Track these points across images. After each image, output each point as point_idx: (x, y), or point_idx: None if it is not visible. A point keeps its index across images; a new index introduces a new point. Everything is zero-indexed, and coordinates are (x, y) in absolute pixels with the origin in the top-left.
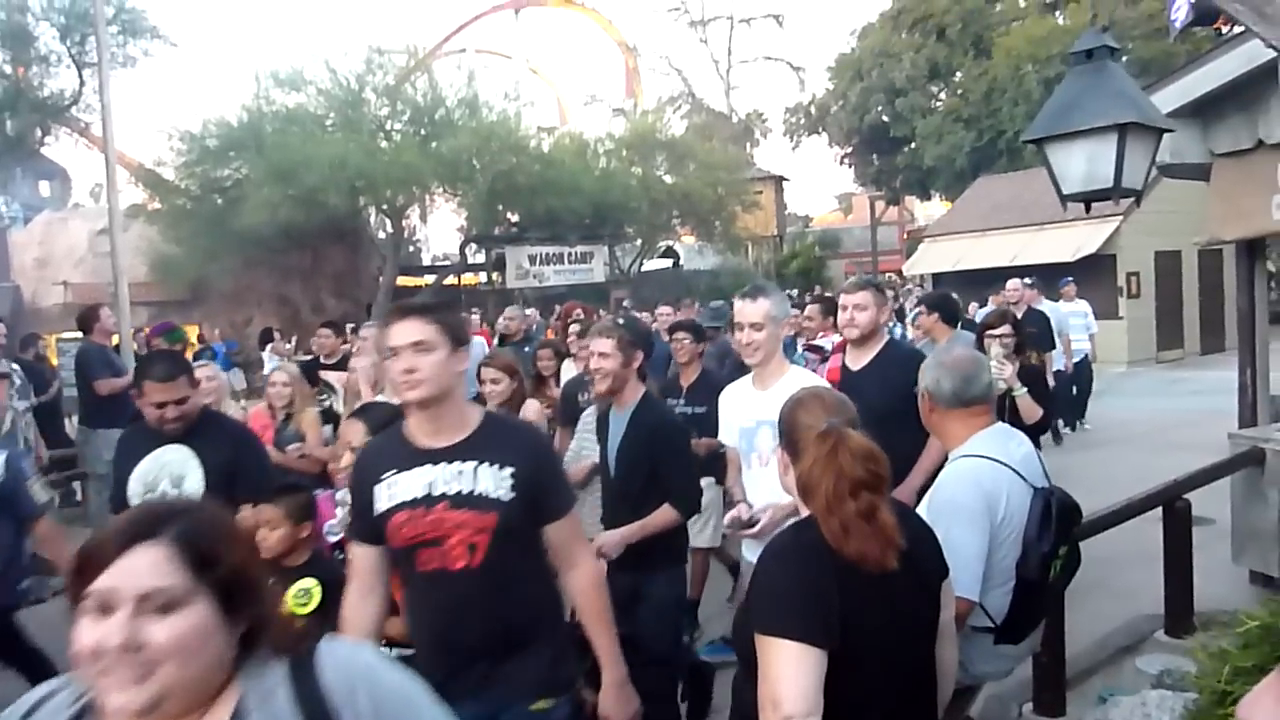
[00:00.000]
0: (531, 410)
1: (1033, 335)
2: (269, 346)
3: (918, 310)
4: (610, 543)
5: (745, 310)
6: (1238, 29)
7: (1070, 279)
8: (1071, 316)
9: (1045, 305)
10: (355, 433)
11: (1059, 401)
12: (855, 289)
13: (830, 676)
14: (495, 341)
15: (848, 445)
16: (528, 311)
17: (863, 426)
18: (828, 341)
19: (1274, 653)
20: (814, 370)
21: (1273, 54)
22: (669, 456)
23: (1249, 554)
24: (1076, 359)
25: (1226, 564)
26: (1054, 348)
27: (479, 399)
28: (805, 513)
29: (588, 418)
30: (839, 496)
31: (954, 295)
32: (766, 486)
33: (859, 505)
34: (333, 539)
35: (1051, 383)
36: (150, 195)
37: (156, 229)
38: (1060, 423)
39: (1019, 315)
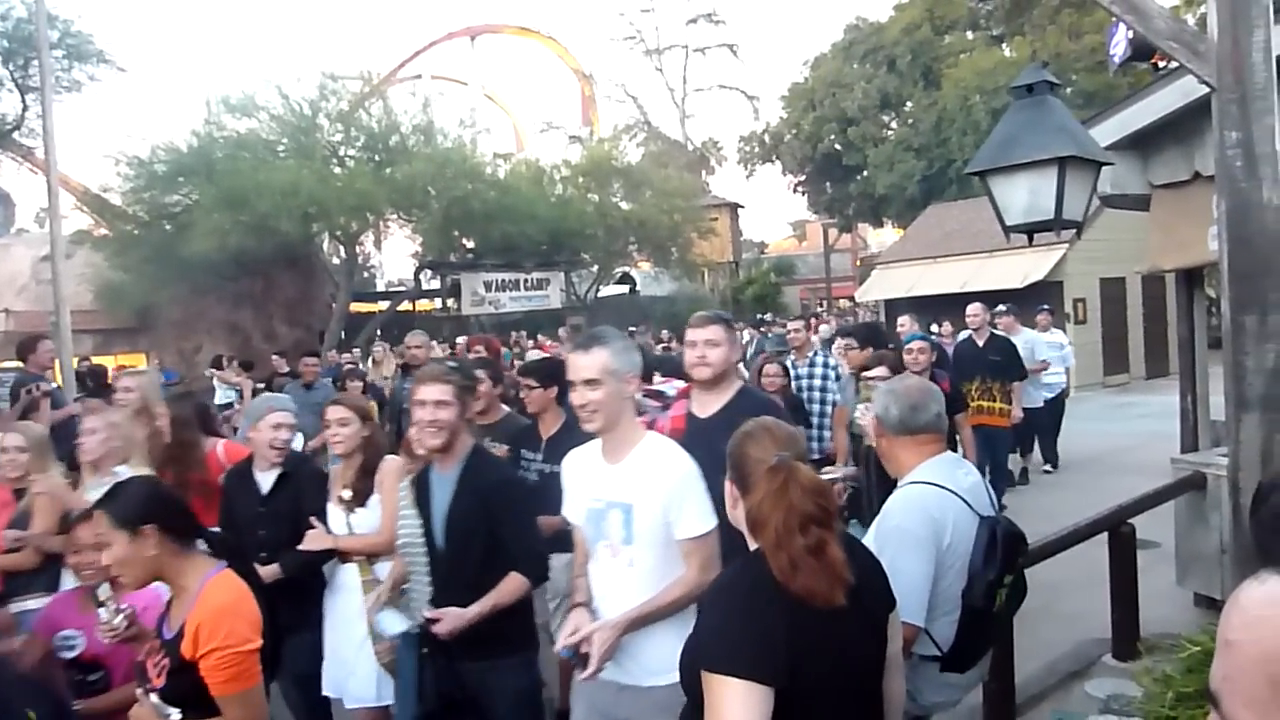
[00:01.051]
0: (390, 468)
1: (996, 364)
2: (216, 376)
3: (848, 342)
4: (453, 622)
5: (576, 364)
6: (1174, 64)
7: (1046, 306)
8: (1047, 347)
9: (1024, 334)
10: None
11: (1030, 438)
12: (704, 322)
13: (778, 713)
14: (399, 370)
15: (798, 480)
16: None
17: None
18: (669, 387)
19: None
20: (654, 419)
21: (1206, 90)
22: (511, 518)
23: (1193, 576)
24: (1052, 393)
25: (1171, 586)
26: (1022, 378)
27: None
28: (753, 547)
29: (404, 490)
30: (789, 531)
31: (880, 324)
32: (618, 585)
33: (808, 540)
34: (70, 654)
35: (1018, 415)
36: (97, 221)
37: (103, 255)
38: (1035, 457)
39: (980, 343)
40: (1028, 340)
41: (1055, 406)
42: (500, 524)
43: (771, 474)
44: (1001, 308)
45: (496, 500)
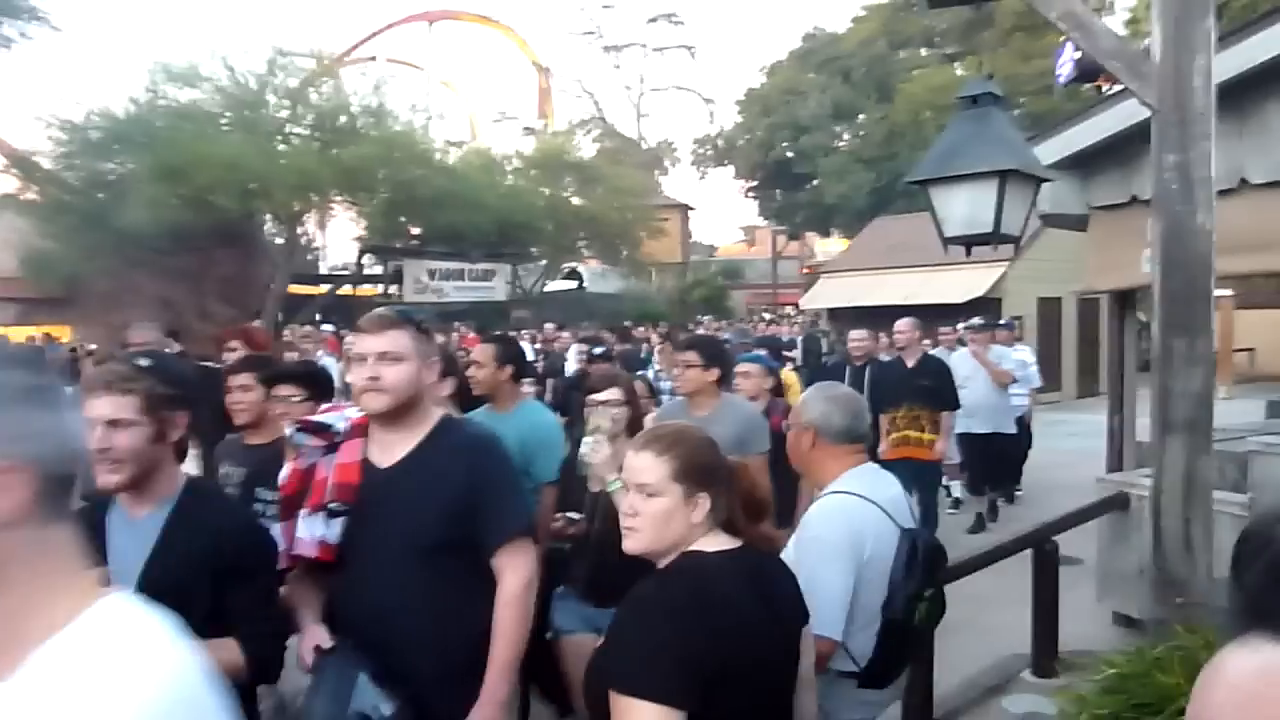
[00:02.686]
0: None
1: (926, 390)
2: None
3: (687, 358)
4: None
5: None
6: (1117, 88)
7: (1014, 320)
8: (1010, 367)
9: (996, 351)
10: None
11: (994, 470)
12: (379, 326)
13: None
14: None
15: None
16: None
17: (378, 569)
18: (339, 417)
19: (1129, 700)
20: (312, 464)
21: (1149, 113)
22: (238, 581)
23: (1112, 594)
24: (1018, 413)
25: (1091, 603)
26: (956, 406)
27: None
28: (664, 563)
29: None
30: None
31: (720, 339)
32: None
33: None
34: None
35: (941, 449)
36: (24, 184)
37: (29, 221)
38: (994, 499)
39: (909, 364)
40: (998, 354)
41: (1019, 438)
42: (230, 584)
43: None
44: (975, 321)
45: (230, 550)
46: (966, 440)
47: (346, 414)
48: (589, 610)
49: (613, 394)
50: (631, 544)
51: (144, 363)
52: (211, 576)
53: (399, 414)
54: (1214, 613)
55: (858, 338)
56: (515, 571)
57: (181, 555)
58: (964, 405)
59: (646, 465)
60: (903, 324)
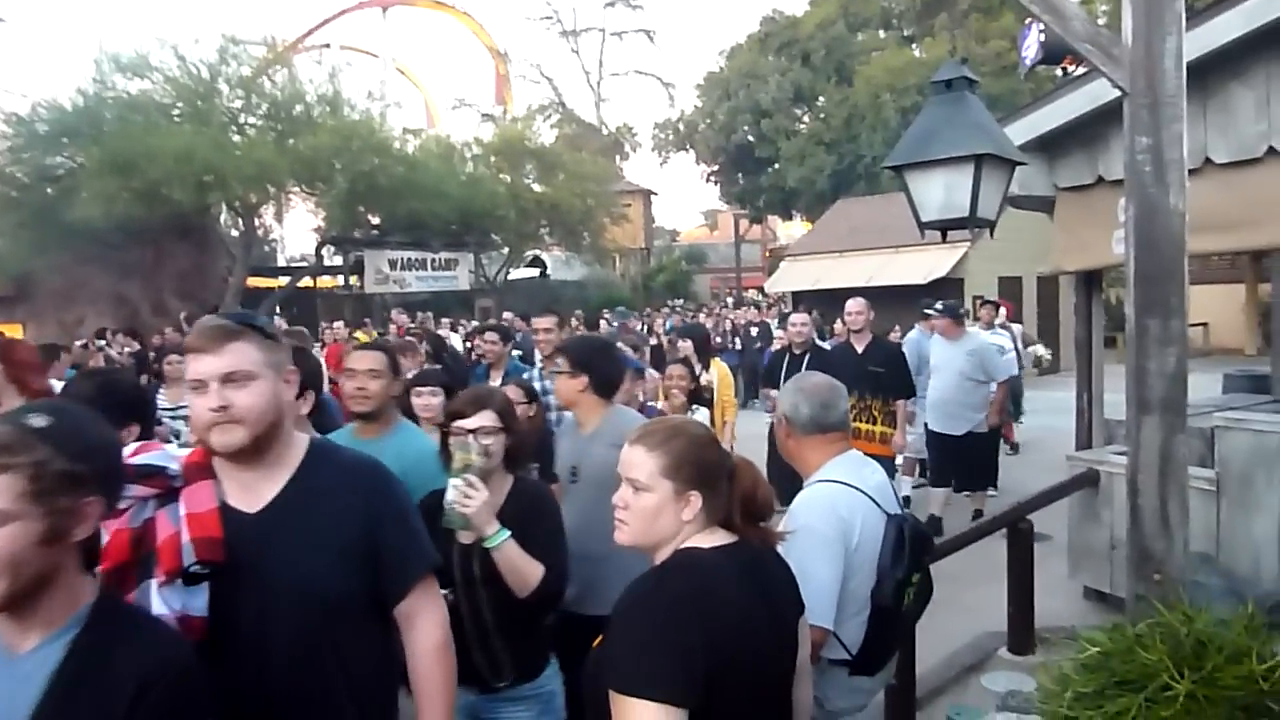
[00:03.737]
0: None
1: (877, 377)
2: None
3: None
4: None
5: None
6: (1081, 69)
7: (992, 300)
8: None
9: (982, 334)
10: None
11: (953, 474)
12: (218, 339)
13: None
14: None
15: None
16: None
17: (268, 640)
18: (164, 457)
19: (1112, 678)
20: (148, 520)
21: (1116, 94)
22: None
23: (1084, 571)
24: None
25: (1063, 579)
26: (910, 394)
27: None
28: (661, 559)
29: None
30: None
31: (703, 325)
32: None
33: None
34: None
35: (900, 443)
36: None
37: None
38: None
39: (860, 349)
40: (977, 349)
41: (994, 432)
42: None
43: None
44: (939, 305)
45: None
46: (938, 440)
47: (171, 451)
48: (469, 699)
49: (485, 419)
50: (621, 536)
51: (39, 422)
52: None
53: (259, 447)
54: (1190, 588)
55: (797, 323)
56: (430, 618)
57: (84, 710)
58: (936, 399)
59: (638, 460)
60: (854, 304)
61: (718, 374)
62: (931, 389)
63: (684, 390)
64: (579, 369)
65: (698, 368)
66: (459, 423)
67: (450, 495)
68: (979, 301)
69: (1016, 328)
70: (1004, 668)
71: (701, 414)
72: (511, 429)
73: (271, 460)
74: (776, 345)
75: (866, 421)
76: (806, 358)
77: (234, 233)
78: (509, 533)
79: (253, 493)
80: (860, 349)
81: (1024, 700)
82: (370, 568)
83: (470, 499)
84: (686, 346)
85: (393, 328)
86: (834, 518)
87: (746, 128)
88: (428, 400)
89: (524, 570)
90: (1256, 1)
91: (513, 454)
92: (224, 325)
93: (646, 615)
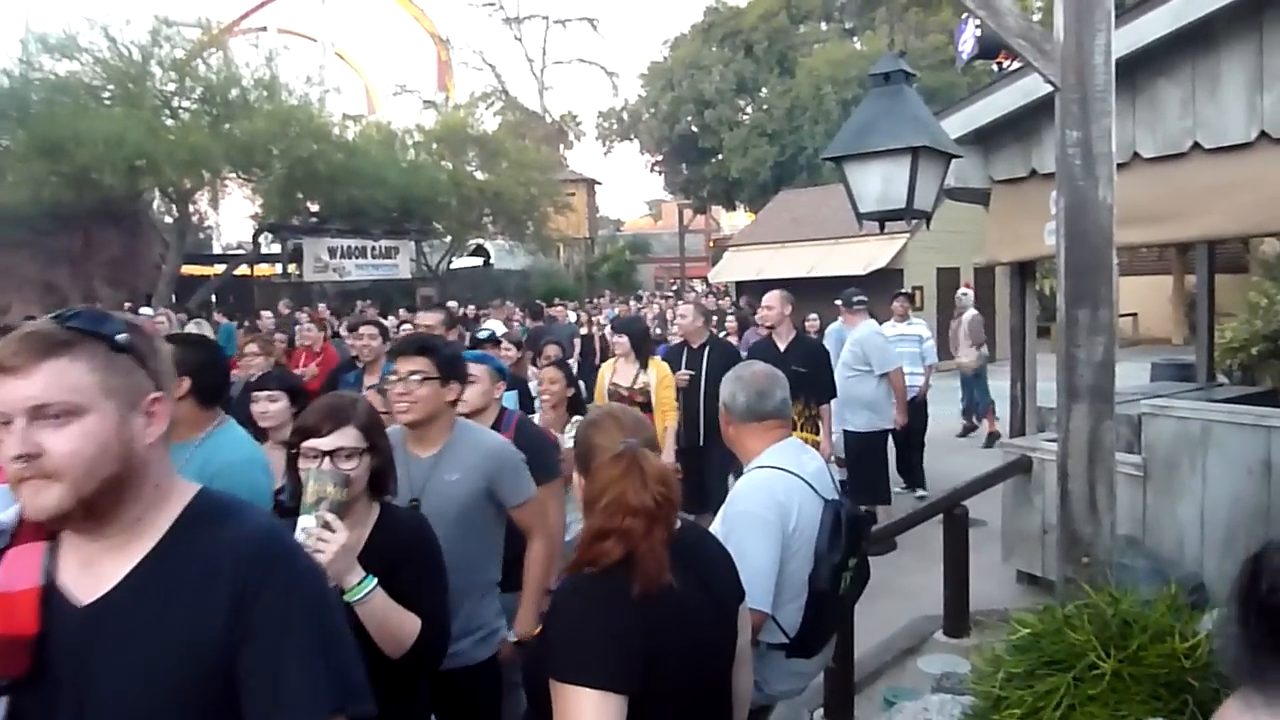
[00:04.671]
0: None
1: (800, 377)
2: None
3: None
4: None
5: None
6: (1016, 65)
7: (904, 291)
8: (899, 343)
9: (862, 328)
10: None
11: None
12: (32, 355)
13: (630, 717)
14: None
15: (641, 467)
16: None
17: None
18: None
19: (1042, 658)
20: None
21: (1048, 89)
22: None
23: (1017, 555)
24: (909, 397)
25: (997, 564)
26: (832, 395)
27: None
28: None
29: None
30: (615, 514)
31: (642, 319)
32: None
33: (635, 525)
34: None
35: (827, 450)
36: None
37: None
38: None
39: (783, 347)
40: (861, 337)
41: (912, 424)
42: None
43: (615, 460)
44: (855, 296)
45: None
46: (848, 439)
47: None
48: None
49: (345, 438)
50: None
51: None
52: None
53: (92, 513)
54: (1117, 570)
55: (684, 314)
56: None
57: None
58: (848, 395)
59: None
60: (770, 298)
61: (656, 374)
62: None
63: (556, 398)
64: (451, 375)
65: (634, 368)
66: (311, 442)
67: (299, 538)
68: (917, 292)
69: (971, 315)
70: (940, 650)
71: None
72: (378, 447)
73: (123, 528)
74: (674, 339)
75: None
76: (706, 351)
77: (168, 219)
78: (375, 581)
79: (92, 572)
80: (783, 346)
81: (958, 681)
82: (229, 708)
83: (326, 542)
84: (622, 343)
85: (302, 316)
86: (772, 502)
87: (690, 118)
88: (265, 406)
89: (396, 626)
90: (1182, 0)
91: (379, 478)
92: (43, 333)
93: (581, 602)
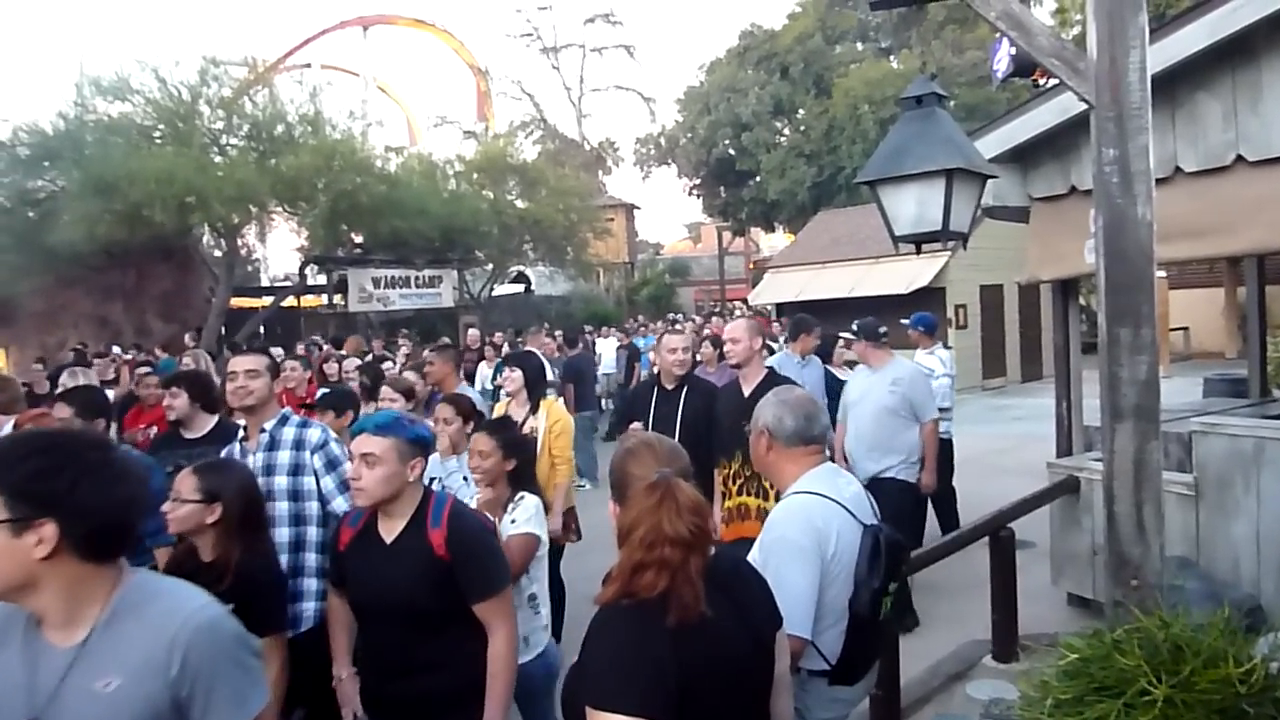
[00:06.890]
0: None
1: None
2: (65, 372)
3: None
4: None
5: None
6: (1053, 82)
7: (924, 315)
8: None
9: (904, 367)
10: None
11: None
12: None
13: None
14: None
15: (675, 498)
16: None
17: None
18: None
19: (1091, 684)
20: None
21: (1084, 106)
22: None
23: (1067, 577)
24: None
25: (1046, 586)
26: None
27: None
28: None
29: None
30: (651, 545)
31: (535, 354)
32: None
33: (670, 555)
34: None
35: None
36: None
37: None
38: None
39: (748, 390)
40: (903, 377)
41: (941, 476)
42: None
43: (649, 490)
44: (855, 325)
45: None
46: (884, 488)
47: None
48: None
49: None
50: None
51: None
52: None
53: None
54: (1170, 592)
55: (672, 346)
56: None
57: None
58: (852, 438)
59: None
60: (735, 329)
61: (547, 417)
62: (850, 430)
63: (490, 475)
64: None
65: (524, 410)
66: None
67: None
68: (960, 310)
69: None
70: (988, 676)
71: (525, 507)
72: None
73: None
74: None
75: (757, 495)
76: (684, 392)
77: (217, 253)
78: None
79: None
80: (748, 390)
81: (1007, 708)
82: None
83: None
84: (515, 379)
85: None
86: (810, 528)
87: (727, 141)
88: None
89: None
90: (1218, 14)
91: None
92: None
93: (614, 630)
